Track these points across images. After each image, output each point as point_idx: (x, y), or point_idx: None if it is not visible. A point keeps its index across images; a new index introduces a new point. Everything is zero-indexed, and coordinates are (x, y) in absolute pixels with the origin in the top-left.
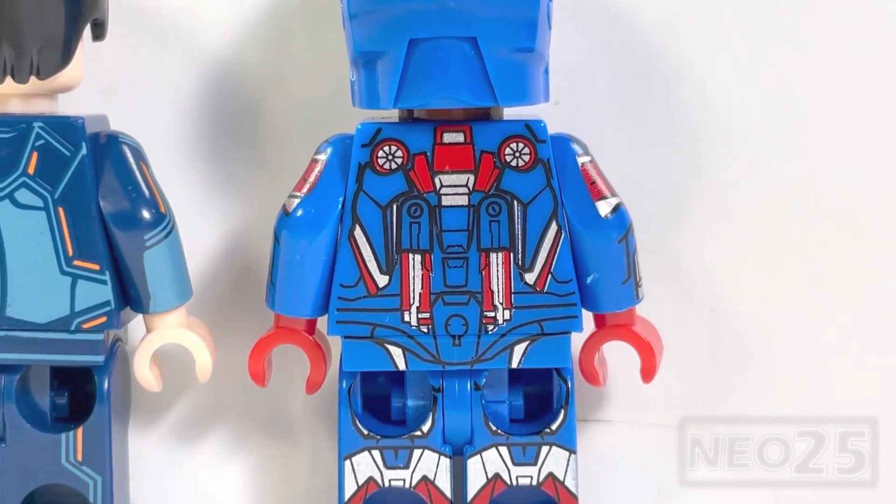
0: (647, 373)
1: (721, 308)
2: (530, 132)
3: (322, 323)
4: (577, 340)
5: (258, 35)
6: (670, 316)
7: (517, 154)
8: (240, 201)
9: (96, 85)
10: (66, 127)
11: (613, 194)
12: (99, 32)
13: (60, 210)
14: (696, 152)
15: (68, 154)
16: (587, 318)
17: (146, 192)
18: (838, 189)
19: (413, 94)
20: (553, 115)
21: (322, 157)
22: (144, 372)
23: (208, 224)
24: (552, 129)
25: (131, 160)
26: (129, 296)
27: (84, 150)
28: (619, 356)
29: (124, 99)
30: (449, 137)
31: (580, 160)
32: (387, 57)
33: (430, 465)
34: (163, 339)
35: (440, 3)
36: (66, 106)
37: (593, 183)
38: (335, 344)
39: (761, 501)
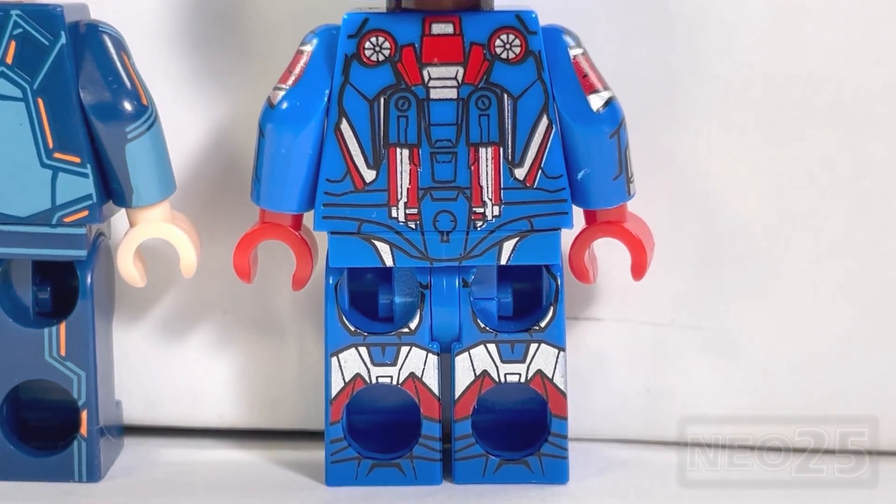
0: (638, 270)
1: (714, 204)
2: (521, 23)
3: (308, 218)
4: (567, 237)
5: None
6: (662, 212)
7: (507, 46)
8: (224, 93)
9: None
10: (45, 15)
11: (606, 88)
12: None
13: (40, 101)
14: (691, 45)
15: (47, 43)
16: (577, 214)
17: (127, 84)
18: (836, 83)
19: None
20: (545, 5)
21: (308, 49)
22: (128, 267)
23: (192, 116)
24: (544, 21)
25: (112, 50)
26: (112, 189)
27: (63, 40)
28: (609, 253)
29: None
30: (437, 28)
31: (572, 52)
32: None
33: (418, 362)
34: (146, 234)
35: None
36: None
37: (585, 76)
38: (321, 240)
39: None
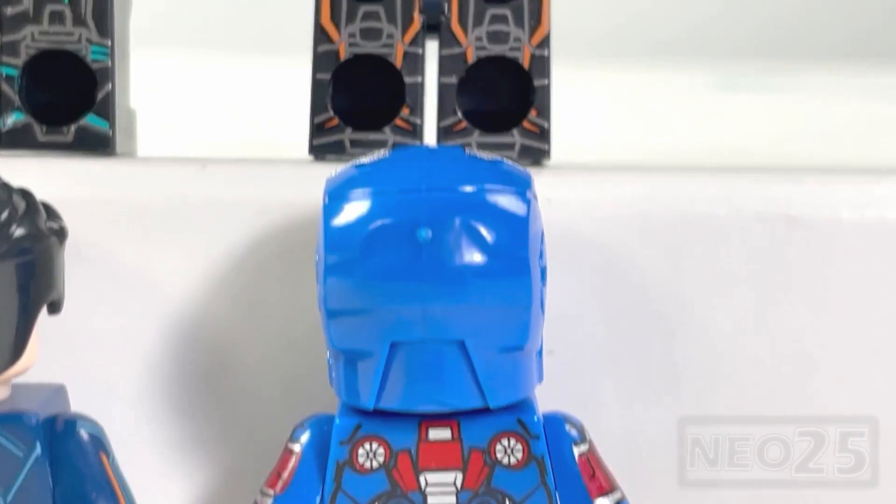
0: None
1: None
2: (522, 428)
3: None
4: None
5: (227, 284)
6: None
7: (509, 451)
8: (208, 461)
9: (54, 342)
10: (18, 425)
11: (614, 488)
12: (55, 308)
13: None
14: (701, 404)
15: (21, 455)
16: None
17: (106, 491)
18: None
19: (395, 398)
20: (547, 364)
21: (297, 449)
22: None
23: (176, 486)
24: (545, 382)
25: (90, 452)
26: None
27: (38, 451)
28: None
29: (85, 355)
30: (435, 434)
31: (577, 450)
32: (367, 357)
33: None
34: None
35: (425, 309)
36: None
37: (592, 476)
38: None
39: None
